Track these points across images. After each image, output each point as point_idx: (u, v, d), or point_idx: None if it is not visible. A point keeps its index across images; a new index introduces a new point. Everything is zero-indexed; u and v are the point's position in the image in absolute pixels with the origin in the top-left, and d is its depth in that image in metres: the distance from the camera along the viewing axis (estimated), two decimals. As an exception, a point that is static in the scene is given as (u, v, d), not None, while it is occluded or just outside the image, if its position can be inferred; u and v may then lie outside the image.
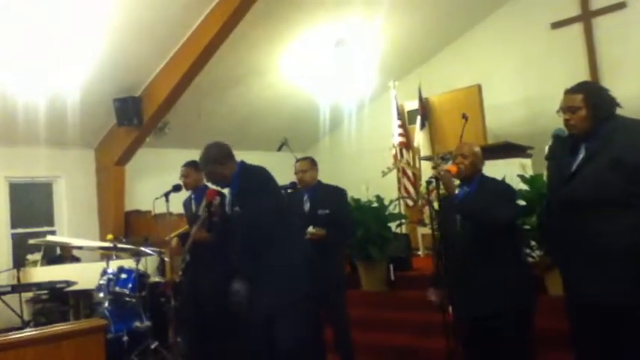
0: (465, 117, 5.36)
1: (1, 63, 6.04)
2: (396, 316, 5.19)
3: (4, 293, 5.22)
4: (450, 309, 3.19)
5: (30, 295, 6.11)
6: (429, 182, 3.38)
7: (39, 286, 5.67)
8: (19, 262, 6.82)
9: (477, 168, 3.30)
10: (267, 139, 8.88)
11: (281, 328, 3.10)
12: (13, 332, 2.43)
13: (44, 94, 6.57)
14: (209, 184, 4.53)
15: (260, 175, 3.24)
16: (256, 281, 3.18)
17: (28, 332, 2.38)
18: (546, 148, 3.47)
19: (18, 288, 5.53)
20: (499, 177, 3.59)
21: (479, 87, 7.21)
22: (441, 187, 3.25)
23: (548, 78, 7.13)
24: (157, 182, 6.83)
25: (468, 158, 3.27)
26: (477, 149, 3.33)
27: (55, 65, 6.31)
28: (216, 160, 3.29)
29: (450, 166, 3.32)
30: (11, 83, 6.27)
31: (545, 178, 3.67)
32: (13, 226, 7.58)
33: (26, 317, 5.81)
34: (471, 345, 3.24)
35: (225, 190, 3.61)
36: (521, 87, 7.81)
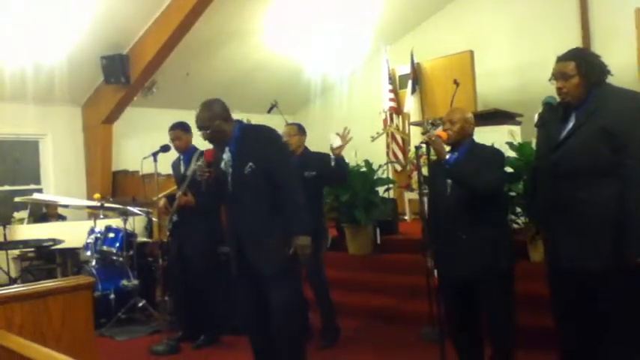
0: (456, 83, 5.40)
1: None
2: (380, 279, 5.27)
3: (-9, 250, 5.23)
4: (436, 272, 3.24)
5: (17, 252, 6.11)
6: (418, 147, 3.38)
7: (26, 243, 5.68)
8: (5, 219, 6.79)
9: (467, 134, 3.29)
10: (256, 101, 8.76)
11: (274, 285, 3.09)
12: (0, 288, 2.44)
13: (31, 51, 6.44)
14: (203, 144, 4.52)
15: (270, 131, 3.21)
16: (257, 237, 3.13)
17: (14, 288, 2.38)
18: (536, 116, 3.49)
19: (5, 245, 5.54)
20: (487, 144, 3.61)
21: (471, 53, 7.16)
22: (432, 152, 3.24)
23: (541, 45, 7.09)
24: (144, 142, 6.79)
25: (456, 124, 3.25)
26: (468, 115, 3.33)
27: (43, 21, 6.17)
28: (221, 116, 3.17)
29: (440, 131, 3.32)
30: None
31: (533, 145, 3.69)
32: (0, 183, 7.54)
33: (13, 275, 5.84)
34: (455, 307, 3.31)
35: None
36: (513, 54, 7.77)
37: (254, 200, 3.12)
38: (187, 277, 4.55)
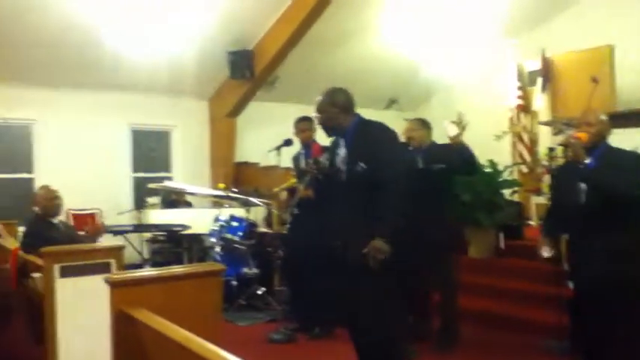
0: (594, 80, 4.97)
1: (125, 17, 6.36)
2: (502, 285, 5.05)
3: (128, 232, 5.67)
4: (571, 284, 3.07)
5: (148, 235, 6.57)
6: (552, 149, 3.20)
7: (158, 227, 6.09)
8: (140, 204, 7.31)
9: (602, 137, 3.16)
10: (375, 97, 8.77)
11: (369, 288, 3.00)
12: (140, 270, 2.61)
13: (164, 45, 6.87)
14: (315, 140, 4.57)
15: (384, 129, 3.09)
16: (360, 238, 3.02)
17: (154, 271, 2.53)
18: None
19: (139, 228, 5.98)
20: (629, 148, 3.35)
21: (610, 48, 6.58)
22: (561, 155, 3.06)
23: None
24: (265, 135, 7.01)
25: (593, 126, 3.11)
26: (604, 117, 3.19)
27: (175, 18, 6.56)
28: (341, 106, 3.10)
29: (579, 133, 3.13)
30: (134, 35, 6.59)
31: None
32: (135, 170, 8.14)
33: (145, 256, 6.29)
34: (583, 315, 3.11)
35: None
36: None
37: (362, 200, 3.03)
38: (304, 270, 4.63)
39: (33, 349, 3.75)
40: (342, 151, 3.12)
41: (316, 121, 3.19)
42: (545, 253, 3.27)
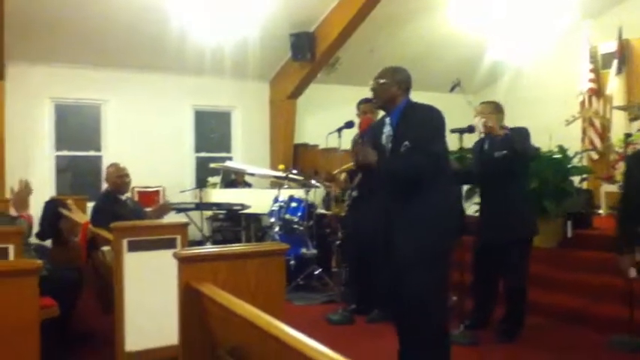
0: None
1: (192, 1, 6.44)
2: (568, 276, 4.85)
3: (190, 209, 5.82)
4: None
5: (209, 213, 6.72)
6: (628, 135, 3.02)
7: (219, 206, 6.22)
8: (201, 183, 7.49)
9: None
10: (439, 80, 8.54)
11: (410, 278, 2.95)
12: (204, 246, 2.65)
13: (229, 28, 6.93)
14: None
15: (430, 110, 3.06)
16: (402, 226, 3.00)
17: (220, 248, 2.59)
18: None
19: (201, 206, 6.12)
20: None
21: (694, 28, 6.17)
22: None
23: None
24: (324, 117, 7.00)
25: None
26: None
27: (239, 1, 6.60)
28: (399, 83, 3.12)
29: None
30: (199, 20, 6.68)
31: None
32: (197, 150, 8.32)
33: (206, 233, 6.44)
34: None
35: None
36: None
37: (407, 182, 3.00)
38: (362, 253, 4.61)
39: (102, 319, 3.92)
40: (387, 129, 3.13)
41: (371, 87, 3.17)
42: (632, 273, 3.05)
